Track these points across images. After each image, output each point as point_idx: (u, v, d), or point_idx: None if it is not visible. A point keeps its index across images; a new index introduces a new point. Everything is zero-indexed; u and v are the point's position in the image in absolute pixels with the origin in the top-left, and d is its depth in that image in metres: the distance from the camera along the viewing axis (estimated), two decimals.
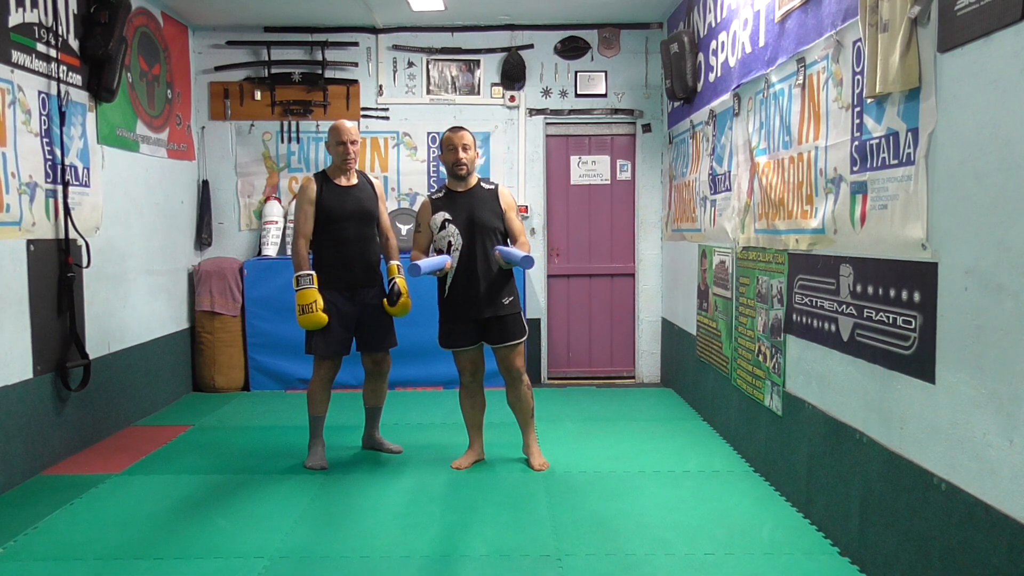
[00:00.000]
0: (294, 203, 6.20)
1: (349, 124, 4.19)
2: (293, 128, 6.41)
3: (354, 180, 4.23)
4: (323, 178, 4.18)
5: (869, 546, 2.86)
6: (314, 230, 4.14)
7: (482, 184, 4.12)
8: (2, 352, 3.85)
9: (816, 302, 3.31)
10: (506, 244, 4.10)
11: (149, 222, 5.50)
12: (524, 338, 4.12)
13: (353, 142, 4.14)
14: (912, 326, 2.56)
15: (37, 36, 4.17)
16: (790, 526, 3.37)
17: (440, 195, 4.13)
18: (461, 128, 4.11)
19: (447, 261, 3.96)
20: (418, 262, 3.83)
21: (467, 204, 4.05)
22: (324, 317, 4.02)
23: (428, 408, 5.55)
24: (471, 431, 4.31)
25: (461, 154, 4.02)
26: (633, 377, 6.63)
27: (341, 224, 4.12)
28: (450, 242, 4.03)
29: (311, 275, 4.05)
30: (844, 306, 3.04)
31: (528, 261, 3.82)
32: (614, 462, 4.29)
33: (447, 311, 4.12)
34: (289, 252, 6.20)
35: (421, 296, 6.05)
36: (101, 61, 4.66)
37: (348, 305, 4.15)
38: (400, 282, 4.21)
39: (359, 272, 4.18)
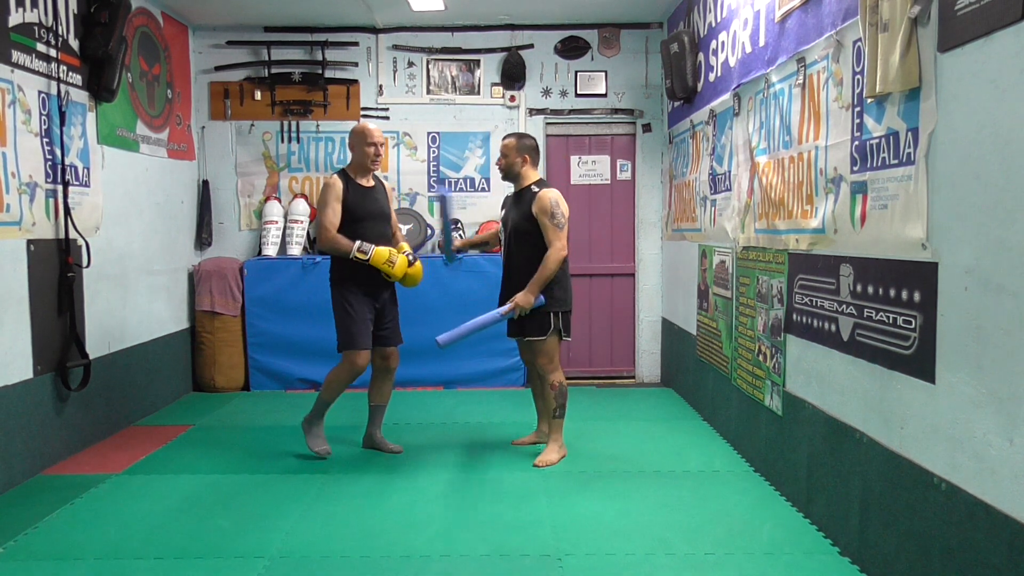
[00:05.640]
0: (295, 202, 6.23)
1: (374, 126, 4.32)
2: (293, 128, 6.40)
3: (372, 181, 4.35)
4: (346, 177, 4.25)
5: (869, 546, 2.86)
6: (338, 228, 4.19)
7: (532, 187, 4.27)
8: (2, 352, 3.85)
9: (816, 302, 3.31)
10: (536, 246, 4.17)
11: (149, 222, 5.50)
12: (544, 336, 4.20)
13: (382, 144, 4.30)
14: (912, 326, 2.56)
15: (37, 36, 4.17)
16: (790, 526, 3.37)
17: (509, 195, 4.50)
18: (510, 135, 4.40)
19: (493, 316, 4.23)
20: (440, 339, 4.18)
21: (513, 205, 4.34)
22: (407, 260, 4.22)
23: (428, 408, 5.55)
24: (537, 410, 4.62)
25: (499, 159, 4.37)
26: (633, 377, 6.63)
27: (364, 223, 4.21)
28: (499, 237, 4.52)
29: (363, 242, 4.15)
30: (844, 306, 3.04)
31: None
32: (614, 462, 4.29)
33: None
34: (289, 252, 6.21)
35: (422, 297, 6.07)
36: (101, 61, 4.66)
37: (371, 303, 4.26)
38: (408, 250, 4.35)
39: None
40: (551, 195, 4.15)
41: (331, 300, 4.26)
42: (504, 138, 4.39)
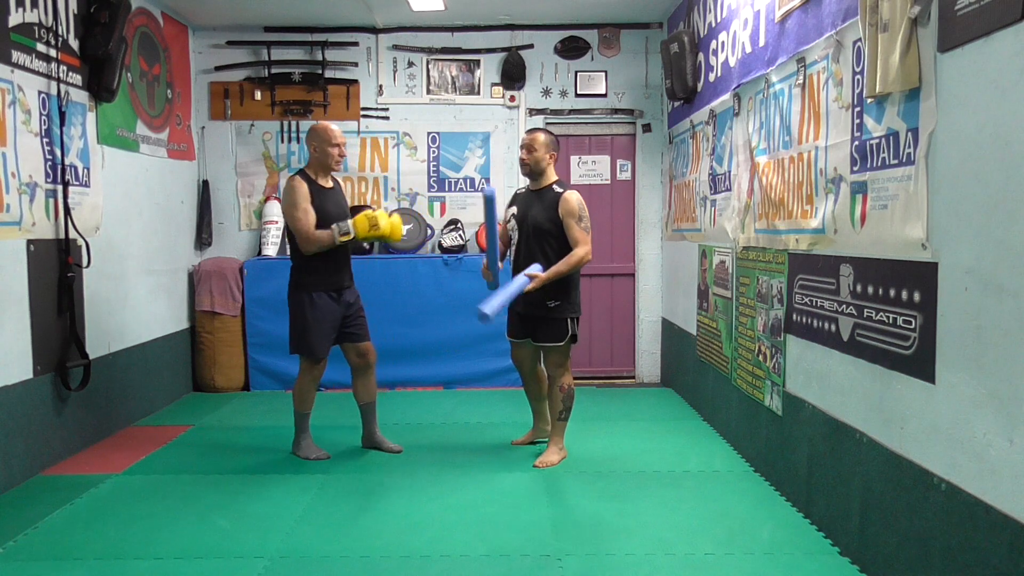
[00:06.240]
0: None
1: (335, 126, 4.26)
2: (293, 128, 6.40)
3: (331, 182, 4.32)
4: (308, 179, 4.19)
5: (869, 546, 2.86)
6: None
7: (554, 187, 4.20)
8: (2, 352, 3.85)
9: (816, 302, 3.31)
10: (558, 249, 4.11)
11: (149, 222, 5.50)
12: (561, 342, 4.17)
13: (345, 144, 4.25)
14: (912, 326, 2.56)
15: (37, 36, 4.17)
16: (790, 526, 3.37)
17: (521, 191, 4.40)
18: (536, 130, 4.31)
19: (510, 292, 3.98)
20: (486, 310, 3.79)
21: (531, 203, 4.22)
22: (384, 214, 4.18)
23: (428, 408, 5.55)
24: (532, 411, 4.60)
25: (523, 154, 4.22)
26: (633, 377, 6.63)
27: (328, 226, 4.14)
28: (510, 236, 4.31)
29: (340, 224, 4.09)
30: (844, 306, 3.04)
31: (488, 307, 3.79)
32: (614, 462, 4.29)
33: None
34: (289, 253, 6.19)
35: (422, 297, 6.08)
36: (101, 61, 4.66)
37: (335, 306, 4.23)
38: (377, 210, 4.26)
39: (345, 273, 4.29)
40: (578, 197, 4.14)
41: (288, 301, 4.25)
42: (531, 132, 4.27)
